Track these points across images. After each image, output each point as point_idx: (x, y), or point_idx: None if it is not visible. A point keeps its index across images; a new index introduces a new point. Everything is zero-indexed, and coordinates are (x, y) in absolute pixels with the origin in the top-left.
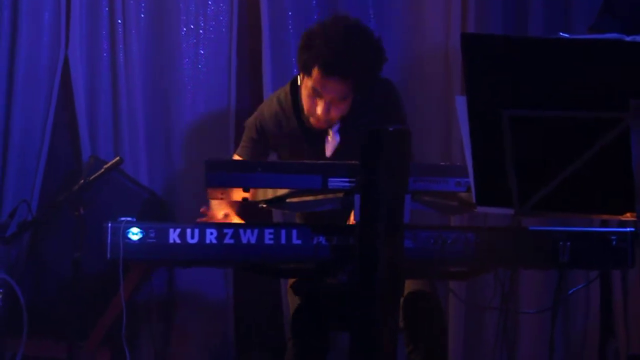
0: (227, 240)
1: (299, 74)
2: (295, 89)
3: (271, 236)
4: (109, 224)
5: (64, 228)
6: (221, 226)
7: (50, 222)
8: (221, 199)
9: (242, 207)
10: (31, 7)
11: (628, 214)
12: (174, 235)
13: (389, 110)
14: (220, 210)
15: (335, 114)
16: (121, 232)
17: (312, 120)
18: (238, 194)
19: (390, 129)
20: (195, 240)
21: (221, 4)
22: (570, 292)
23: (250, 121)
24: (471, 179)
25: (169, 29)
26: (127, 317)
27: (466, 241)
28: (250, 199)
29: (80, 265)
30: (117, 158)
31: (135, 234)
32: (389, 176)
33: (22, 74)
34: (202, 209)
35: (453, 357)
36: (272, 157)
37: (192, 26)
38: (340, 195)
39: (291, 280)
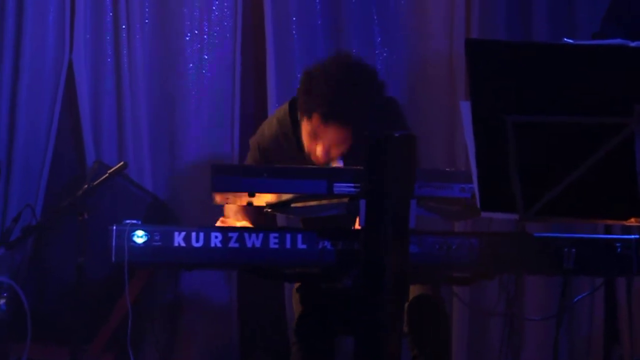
0: (232, 244)
1: (297, 109)
2: (293, 110)
3: (276, 240)
4: (114, 227)
5: (68, 233)
6: (226, 230)
7: (54, 227)
8: (226, 203)
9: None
10: (35, 12)
11: (632, 219)
12: (178, 239)
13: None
14: (236, 220)
15: (335, 154)
16: (126, 235)
17: (312, 158)
18: (243, 199)
19: (396, 134)
20: (200, 244)
21: (225, 9)
22: (576, 300)
23: (252, 141)
24: (475, 185)
25: (173, 34)
26: (132, 320)
27: (471, 247)
28: (255, 204)
29: (84, 270)
30: (122, 163)
31: (140, 237)
32: (395, 181)
33: (26, 79)
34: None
35: None
36: None
37: (196, 31)
38: (346, 200)
39: (297, 285)
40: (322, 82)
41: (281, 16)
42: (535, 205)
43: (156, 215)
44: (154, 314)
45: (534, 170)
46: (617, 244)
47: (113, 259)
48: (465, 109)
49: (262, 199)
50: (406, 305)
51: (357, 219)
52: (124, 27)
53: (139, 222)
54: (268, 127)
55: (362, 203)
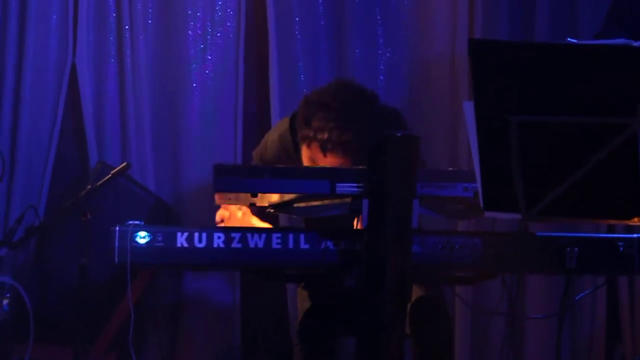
0: (235, 245)
1: (297, 132)
2: (293, 128)
3: (279, 241)
4: (117, 228)
5: (71, 233)
6: (229, 230)
7: (57, 228)
8: (228, 203)
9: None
10: (38, 13)
11: (635, 219)
12: (181, 239)
13: None
14: (238, 211)
15: None
16: (129, 236)
17: None
18: (246, 199)
19: (398, 134)
20: (202, 244)
21: (228, 10)
22: (577, 297)
23: (255, 153)
24: (478, 184)
25: (176, 34)
26: (134, 321)
27: (473, 246)
28: (258, 204)
29: (87, 270)
30: (125, 163)
31: (142, 237)
32: (397, 181)
33: (29, 79)
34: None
35: None
36: None
37: (199, 32)
38: (348, 200)
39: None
40: (320, 113)
41: (284, 17)
42: (538, 205)
43: (159, 216)
44: (156, 314)
45: (536, 170)
46: (620, 243)
47: (116, 259)
48: (468, 109)
49: (265, 199)
50: (408, 306)
51: (359, 219)
52: (127, 28)
53: (142, 223)
54: (270, 141)
55: (365, 203)
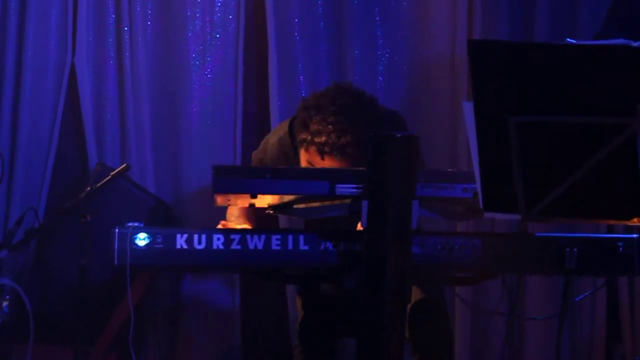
0: (234, 246)
1: (296, 136)
2: (292, 132)
3: (278, 242)
4: (116, 230)
5: (71, 235)
6: (228, 232)
7: (57, 229)
8: (228, 205)
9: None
10: (38, 14)
11: (635, 219)
12: (181, 241)
13: None
14: (238, 224)
15: None
16: (128, 238)
17: None
18: (245, 200)
19: (398, 135)
20: (202, 246)
21: (228, 11)
22: (578, 299)
23: (255, 156)
24: (478, 185)
25: (175, 36)
26: (134, 322)
27: (473, 247)
28: (257, 205)
29: (87, 272)
30: (124, 165)
31: (142, 239)
32: (397, 182)
33: (29, 81)
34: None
35: None
36: None
37: (199, 33)
38: (348, 201)
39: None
40: (318, 117)
41: (283, 18)
42: (538, 205)
43: (159, 218)
44: (156, 315)
45: (536, 170)
46: (619, 244)
47: (115, 261)
48: (467, 109)
49: (264, 201)
50: (408, 308)
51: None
52: (126, 29)
53: (142, 225)
54: (270, 144)
55: (365, 204)
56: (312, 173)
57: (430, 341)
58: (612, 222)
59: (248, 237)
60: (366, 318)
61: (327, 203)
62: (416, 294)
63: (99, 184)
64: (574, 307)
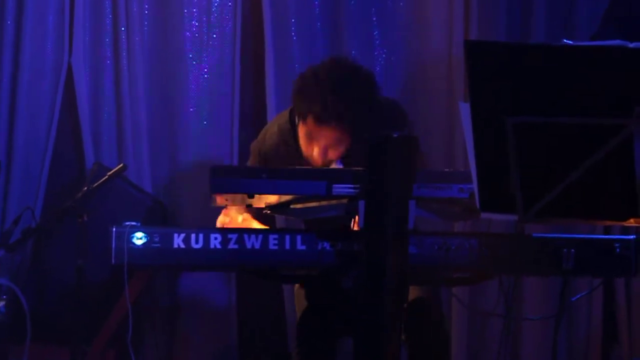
0: (232, 246)
1: (296, 123)
2: (294, 117)
3: (275, 242)
4: (114, 229)
5: (68, 235)
6: (225, 231)
7: (54, 229)
8: (226, 205)
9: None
10: (35, 14)
11: (632, 220)
12: (178, 240)
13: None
14: (238, 215)
15: (333, 156)
16: (126, 237)
17: (311, 162)
18: (242, 200)
19: (395, 135)
20: (199, 245)
21: (225, 12)
22: (574, 299)
23: (253, 147)
24: (475, 186)
25: (172, 35)
26: (132, 322)
27: (470, 247)
28: (254, 205)
29: (84, 272)
30: (121, 165)
31: (139, 238)
32: (394, 182)
33: (26, 81)
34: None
35: None
36: None
37: (195, 33)
38: (345, 201)
39: (297, 286)
40: (314, 83)
41: (280, 18)
42: (535, 206)
43: (156, 217)
44: (153, 315)
45: (533, 171)
46: (616, 245)
47: (113, 260)
48: (464, 110)
49: (262, 200)
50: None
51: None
52: (123, 29)
53: (139, 224)
54: (269, 133)
55: (362, 204)
56: (309, 173)
57: (427, 341)
58: (608, 222)
59: (245, 236)
60: (364, 318)
61: (324, 203)
62: (412, 294)
63: (95, 184)
64: (570, 308)
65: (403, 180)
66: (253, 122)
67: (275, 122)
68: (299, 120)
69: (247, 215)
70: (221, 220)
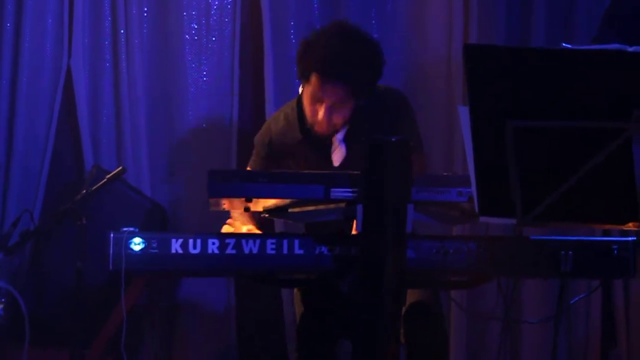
0: (229, 251)
1: (300, 85)
2: (301, 102)
3: (273, 246)
4: (112, 234)
5: (67, 238)
6: (223, 236)
7: (53, 232)
8: (223, 209)
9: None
10: (34, 17)
11: (630, 224)
12: (176, 246)
13: (401, 121)
14: (243, 226)
15: (337, 119)
16: (123, 243)
17: (315, 127)
18: (240, 204)
19: (393, 139)
20: (197, 251)
21: (224, 14)
22: (572, 301)
23: (258, 137)
24: (473, 189)
25: (171, 38)
26: (129, 327)
27: (468, 251)
28: (252, 209)
29: (83, 275)
30: (120, 168)
31: (137, 244)
32: (392, 186)
33: (25, 83)
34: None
35: None
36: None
37: (195, 37)
38: (343, 205)
39: (296, 290)
40: (317, 43)
41: (279, 21)
42: (534, 210)
43: (154, 221)
44: (152, 317)
45: (532, 174)
46: (614, 246)
47: (110, 266)
48: (463, 113)
49: (260, 204)
50: (403, 310)
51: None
52: (122, 31)
53: (136, 230)
54: (275, 121)
55: (359, 208)
56: (307, 177)
57: (426, 344)
58: (607, 226)
59: (243, 241)
60: (362, 321)
61: (321, 207)
62: (411, 298)
63: (94, 187)
64: (569, 310)
65: (401, 184)
66: (252, 126)
67: (281, 110)
68: (303, 86)
69: (251, 227)
70: (226, 230)
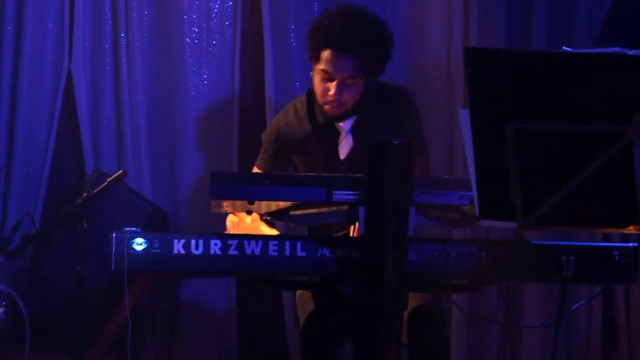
0: (232, 252)
1: (311, 71)
2: (310, 95)
3: (275, 248)
4: (114, 235)
5: (67, 241)
6: (225, 237)
7: (54, 236)
8: (225, 211)
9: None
10: (35, 21)
11: (631, 227)
12: (178, 246)
13: (406, 117)
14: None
15: (347, 97)
16: (126, 243)
17: (326, 107)
18: (242, 207)
19: (396, 141)
20: (199, 251)
21: (224, 17)
22: (574, 307)
23: (265, 134)
24: (474, 192)
25: (172, 42)
26: (132, 327)
27: (470, 254)
28: (254, 212)
29: (83, 278)
30: (121, 171)
31: (139, 244)
32: (394, 189)
33: (25, 87)
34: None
35: None
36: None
37: (195, 40)
38: (345, 207)
39: (299, 293)
40: (326, 21)
41: (280, 24)
42: (535, 213)
43: (156, 224)
44: (154, 318)
45: (533, 177)
46: (616, 252)
47: (113, 266)
48: (463, 116)
49: (262, 207)
50: (406, 314)
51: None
52: (122, 35)
53: (139, 230)
54: (284, 114)
55: (361, 210)
56: (310, 180)
57: (427, 348)
58: (608, 230)
59: (245, 242)
60: (364, 324)
61: (323, 209)
62: (413, 301)
63: (95, 190)
64: (570, 314)
65: (403, 186)
66: (253, 128)
67: (291, 103)
68: (313, 66)
69: (255, 216)
70: (231, 219)
